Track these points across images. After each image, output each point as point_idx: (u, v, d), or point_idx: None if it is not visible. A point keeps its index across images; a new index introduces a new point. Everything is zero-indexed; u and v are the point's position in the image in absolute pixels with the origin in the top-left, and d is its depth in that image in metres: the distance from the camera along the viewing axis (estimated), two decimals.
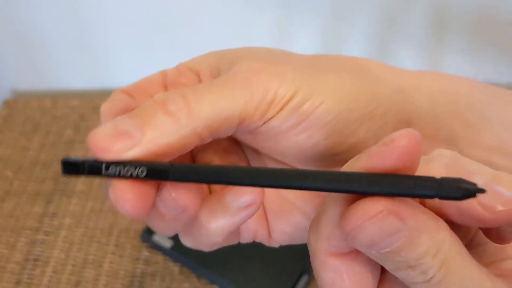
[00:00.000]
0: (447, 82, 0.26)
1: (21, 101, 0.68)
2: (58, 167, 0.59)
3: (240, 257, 0.49)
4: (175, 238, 0.51)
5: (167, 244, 0.50)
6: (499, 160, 0.25)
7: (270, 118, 0.22)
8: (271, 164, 0.26)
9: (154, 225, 0.23)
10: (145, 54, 0.67)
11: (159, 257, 0.51)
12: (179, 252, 0.50)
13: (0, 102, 0.68)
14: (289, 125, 0.22)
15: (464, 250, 0.18)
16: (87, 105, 0.67)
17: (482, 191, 0.17)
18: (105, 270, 0.50)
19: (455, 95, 0.25)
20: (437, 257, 0.17)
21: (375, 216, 0.17)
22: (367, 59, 0.25)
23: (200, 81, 0.26)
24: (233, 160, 0.26)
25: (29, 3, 0.62)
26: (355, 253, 0.19)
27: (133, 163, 0.20)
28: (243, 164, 0.27)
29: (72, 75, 0.71)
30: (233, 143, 0.27)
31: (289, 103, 0.22)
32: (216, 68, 0.25)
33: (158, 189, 0.21)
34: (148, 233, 0.51)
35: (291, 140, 0.23)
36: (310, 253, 0.20)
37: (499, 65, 0.68)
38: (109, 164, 0.20)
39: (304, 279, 0.48)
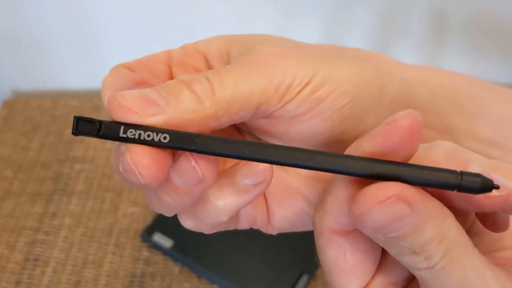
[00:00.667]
0: (448, 77, 0.27)
1: (21, 101, 0.68)
2: (58, 167, 0.59)
3: (240, 257, 0.49)
4: (175, 238, 0.52)
5: (167, 244, 0.50)
6: (494, 153, 0.25)
7: (288, 102, 0.22)
8: None
9: (160, 200, 0.22)
10: (145, 54, 0.67)
11: (159, 257, 0.51)
12: (179, 252, 0.50)
13: (0, 102, 0.68)
14: (305, 108, 0.22)
15: (467, 239, 0.19)
16: (87, 105, 0.67)
17: (497, 187, 0.17)
18: (105, 270, 0.50)
19: (455, 89, 0.26)
20: (442, 245, 0.18)
21: (384, 201, 0.17)
22: (375, 52, 0.26)
23: (208, 63, 0.26)
24: None
25: (29, 4, 0.62)
26: (358, 232, 0.20)
27: (156, 128, 0.19)
28: None
29: (72, 75, 0.71)
30: (234, 130, 0.27)
31: (307, 87, 0.22)
32: (226, 52, 0.25)
33: (173, 160, 0.21)
34: (148, 233, 0.51)
35: (305, 124, 0.23)
36: (315, 233, 0.21)
37: (499, 64, 0.68)
38: (128, 126, 0.19)
39: (304, 279, 0.48)
